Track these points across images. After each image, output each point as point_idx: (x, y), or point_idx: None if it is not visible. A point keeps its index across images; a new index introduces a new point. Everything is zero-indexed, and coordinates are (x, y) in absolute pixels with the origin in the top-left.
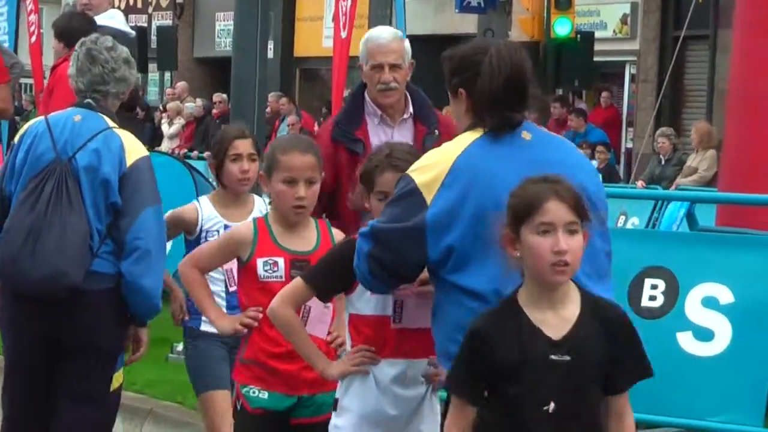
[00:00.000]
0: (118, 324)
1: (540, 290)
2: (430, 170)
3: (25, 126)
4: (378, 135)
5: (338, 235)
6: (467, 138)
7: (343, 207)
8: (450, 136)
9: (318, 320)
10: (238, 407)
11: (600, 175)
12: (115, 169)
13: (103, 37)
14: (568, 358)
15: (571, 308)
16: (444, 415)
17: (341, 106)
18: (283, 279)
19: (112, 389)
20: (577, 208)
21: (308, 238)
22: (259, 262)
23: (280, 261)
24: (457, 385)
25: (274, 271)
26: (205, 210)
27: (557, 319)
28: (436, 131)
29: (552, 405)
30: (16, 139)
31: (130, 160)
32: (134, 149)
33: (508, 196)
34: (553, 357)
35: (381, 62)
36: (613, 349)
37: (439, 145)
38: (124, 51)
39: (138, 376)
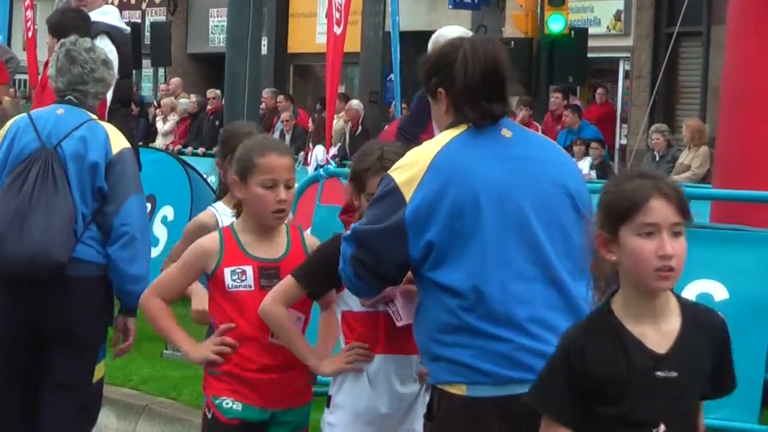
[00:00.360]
0: (101, 313)
1: (639, 298)
2: (410, 168)
3: (8, 123)
4: None
5: (309, 239)
6: (447, 135)
7: None
8: None
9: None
10: (209, 417)
11: (582, 173)
12: (102, 156)
13: (82, 38)
14: (675, 374)
15: (673, 318)
16: (428, 414)
17: (406, 114)
18: (253, 288)
19: (94, 380)
20: (682, 207)
21: (278, 244)
22: (227, 271)
23: (249, 270)
24: (545, 404)
25: (242, 281)
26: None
27: (659, 331)
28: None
29: (662, 427)
30: None
31: (115, 149)
32: (118, 139)
33: (484, 191)
34: (659, 374)
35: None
36: (714, 359)
37: None
38: (102, 52)
39: (133, 372)
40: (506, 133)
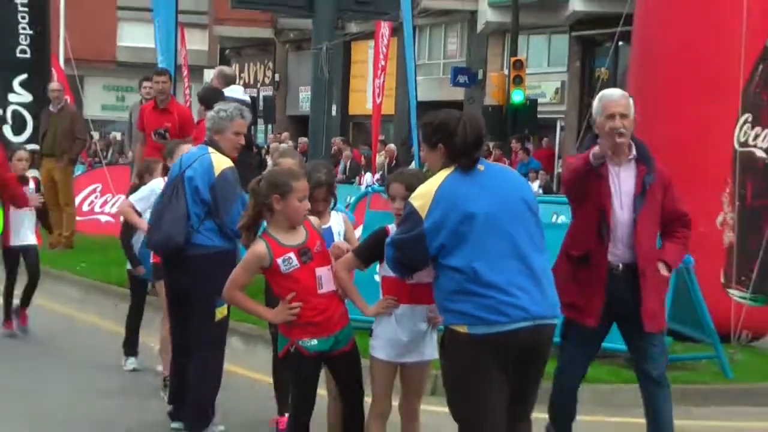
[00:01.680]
0: (214, 279)
1: None
2: (421, 198)
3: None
4: (610, 170)
5: (314, 221)
6: (443, 174)
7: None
8: (661, 179)
9: (329, 280)
10: (292, 350)
11: (533, 189)
12: (204, 180)
13: (224, 105)
14: None
15: None
16: (442, 344)
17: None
18: (298, 266)
19: (216, 319)
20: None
21: (300, 233)
22: (279, 261)
23: (292, 255)
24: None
25: (291, 264)
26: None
27: None
28: (653, 174)
29: None
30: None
31: (218, 171)
32: (221, 162)
33: (473, 210)
34: None
35: (613, 112)
36: None
37: (656, 185)
38: (228, 109)
39: None
40: (480, 167)
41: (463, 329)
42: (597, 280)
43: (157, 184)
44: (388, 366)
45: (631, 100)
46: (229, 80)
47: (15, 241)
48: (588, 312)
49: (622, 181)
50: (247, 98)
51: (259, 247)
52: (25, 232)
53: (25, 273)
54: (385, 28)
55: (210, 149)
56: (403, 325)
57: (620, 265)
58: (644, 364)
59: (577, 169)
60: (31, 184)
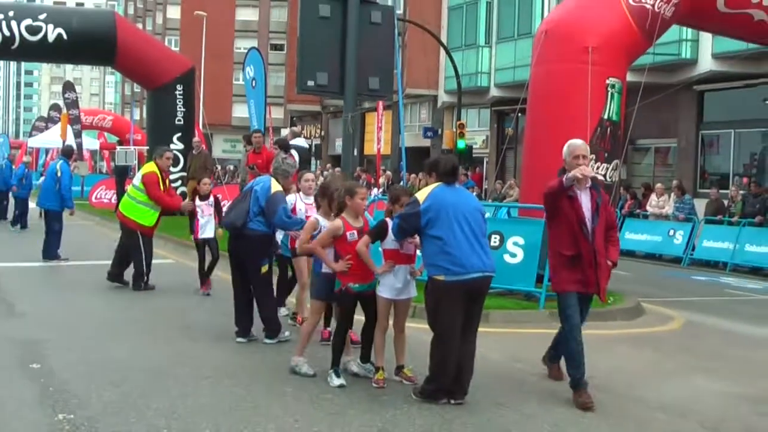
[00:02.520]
0: (263, 250)
1: None
2: (421, 195)
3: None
4: (577, 192)
5: (368, 217)
6: (432, 186)
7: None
8: (604, 201)
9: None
10: (343, 290)
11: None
12: (264, 194)
13: (284, 154)
14: None
15: None
16: (426, 287)
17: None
18: (356, 238)
19: (261, 273)
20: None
21: (359, 220)
22: (348, 234)
23: (355, 232)
24: None
25: (353, 236)
26: (321, 221)
27: None
28: (601, 197)
29: None
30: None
31: (273, 191)
32: (275, 187)
33: (449, 205)
34: None
35: (578, 154)
36: None
37: (602, 204)
38: (287, 162)
39: None
40: (456, 186)
41: (441, 278)
42: (588, 265)
43: (290, 198)
44: (388, 301)
45: (588, 147)
46: (296, 134)
47: (202, 235)
48: (589, 284)
49: (583, 202)
50: (306, 145)
51: (338, 222)
52: (210, 230)
53: (209, 255)
54: (380, 106)
55: (272, 178)
56: (398, 276)
57: None
58: (580, 318)
59: (554, 188)
60: (211, 199)
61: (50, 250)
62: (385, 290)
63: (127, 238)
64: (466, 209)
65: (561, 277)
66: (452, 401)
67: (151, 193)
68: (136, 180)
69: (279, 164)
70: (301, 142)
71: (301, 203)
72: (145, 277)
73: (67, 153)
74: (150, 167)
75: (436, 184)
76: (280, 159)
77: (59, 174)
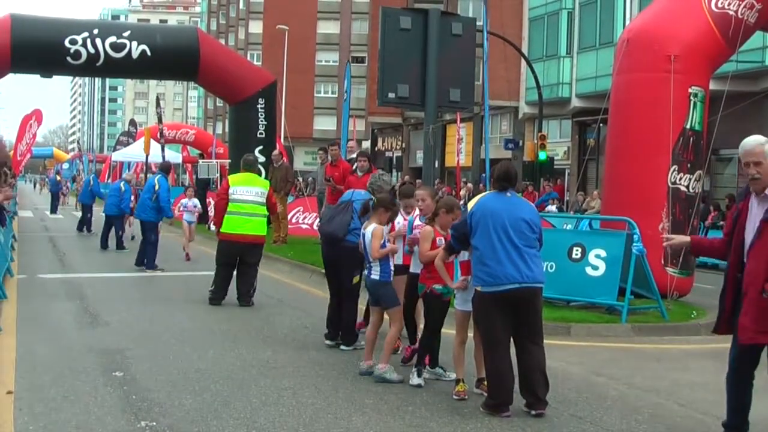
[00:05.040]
0: (358, 260)
1: None
2: (472, 202)
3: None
4: (752, 202)
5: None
6: (483, 194)
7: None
8: None
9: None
10: (428, 293)
11: (535, 211)
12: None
13: (381, 172)
14: None
15: None
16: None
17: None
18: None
19: (353, 283)
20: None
21: (446, 233)
22: (437, 239)
23: (443, 238)
24: None
25: (442, 242)
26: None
27: None
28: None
29: None
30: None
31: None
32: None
33: (491, 215)
34: None
35: (747, 161)
36: None
37: None
38: (383, 179)
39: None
40: (507, 194)
41: (479, 288)
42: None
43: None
44: (466, 313)
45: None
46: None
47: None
48: None
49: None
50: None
51: (430, 227)
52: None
53: None
54: (458, 118)
55: (369, 194)
56: (472, 290)
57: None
58: None
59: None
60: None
61: (148, 261)
62: (462, 303)
63: (256, 256)
64: (509, 218)
65: None
66: (532, 412)
67: (272, 201)
68: (260, 197)
69: (376, 179)
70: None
71: (400, 217)
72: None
73: (165, 168)
74: (263, 180)
75: (488, 191)
76: (377, 175)
77: (157, 187)
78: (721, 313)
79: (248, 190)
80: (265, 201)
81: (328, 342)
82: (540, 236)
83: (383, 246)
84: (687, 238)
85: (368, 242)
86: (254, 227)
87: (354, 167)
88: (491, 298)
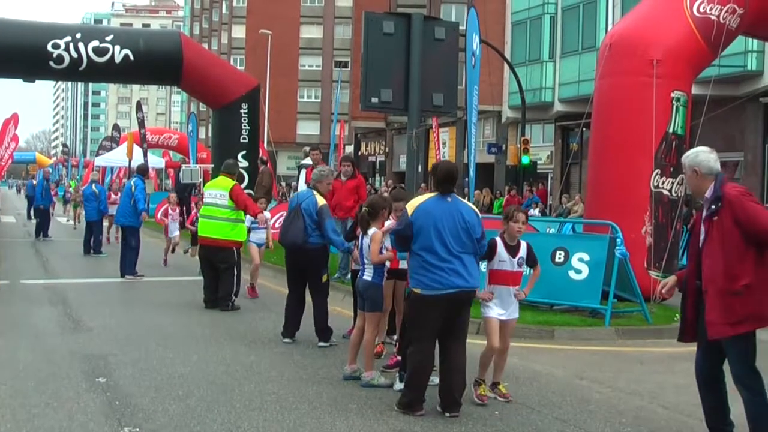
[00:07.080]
0: (322, 260)
1: None
2: (410, 208)
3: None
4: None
5: None
6: (424, 197)
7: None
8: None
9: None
10: (411, 295)
11: (475, 214)
12: (312, 209)
13: (322, 168)
14: None
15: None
16: (406, 298)
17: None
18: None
19: (323, 281)
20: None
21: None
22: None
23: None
24: None
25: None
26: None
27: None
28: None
29: None
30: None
31: (320, 204)
32: (321, 201)
33: (433, 219)
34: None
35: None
36: None
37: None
38: (325, 169)
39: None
40: (449, 198)
41: (418, 291)
42: None
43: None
44: (495, 321)
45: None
46: (306, 155)
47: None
48: None
49: None
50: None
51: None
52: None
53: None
54: (436, 123)
55: (314, 191)
56: (502, 298)
57: None
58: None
59: None
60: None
61: (129, 267)
62: (490, 311)
63: (223, 260)
64: (449, 226)
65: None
66: (447, 414)
67: (243, 202)
68: (220, 199)
69: (315, 175)
70: (309, 162)
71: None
72: (234, 297)
73: (142, 171)
74: (228, 181)
75: (429, 195)
76: (316, 171)
77: (134, 189)
78: (683, 321)
79: (211, 192)
80: (227, 203)
81: (286, 340)
82: (482, 238)
83: (381, 252)
84: (674, 277)
85: (366, 246)
86: (215, 230)
87: (337, 173)
88: (432, 299)
